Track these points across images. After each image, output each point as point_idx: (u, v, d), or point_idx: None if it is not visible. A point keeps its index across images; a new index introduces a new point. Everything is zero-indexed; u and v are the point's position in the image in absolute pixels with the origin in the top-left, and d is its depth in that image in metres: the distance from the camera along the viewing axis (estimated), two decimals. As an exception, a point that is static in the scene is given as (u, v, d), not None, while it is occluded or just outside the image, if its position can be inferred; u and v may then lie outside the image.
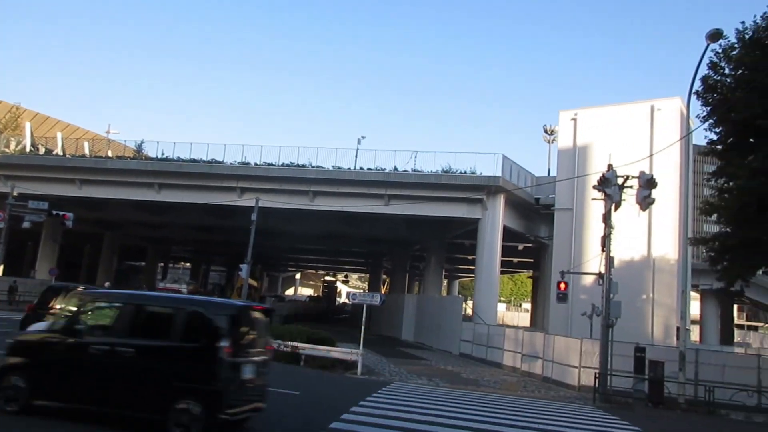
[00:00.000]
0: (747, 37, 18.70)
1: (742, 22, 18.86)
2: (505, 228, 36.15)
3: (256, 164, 37.34)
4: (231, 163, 37.60)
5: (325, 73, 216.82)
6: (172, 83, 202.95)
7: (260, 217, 33.61)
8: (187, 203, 39.78)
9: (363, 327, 21.38)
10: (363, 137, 39.59)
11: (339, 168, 36.28)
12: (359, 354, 19.94)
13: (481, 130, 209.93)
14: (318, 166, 36.51)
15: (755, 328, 75.80)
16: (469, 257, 51.49)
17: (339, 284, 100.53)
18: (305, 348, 20.69)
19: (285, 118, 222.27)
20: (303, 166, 36.69)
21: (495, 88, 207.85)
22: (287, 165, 36.92)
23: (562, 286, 23.42)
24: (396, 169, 35.45)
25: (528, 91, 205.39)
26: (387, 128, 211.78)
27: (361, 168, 36.15)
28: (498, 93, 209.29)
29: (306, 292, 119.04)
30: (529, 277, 69.89)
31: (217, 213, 42.09)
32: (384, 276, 74.04)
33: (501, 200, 35.21)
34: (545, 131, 50.94)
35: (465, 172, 34.84)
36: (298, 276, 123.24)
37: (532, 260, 54.20)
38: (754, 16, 18.70)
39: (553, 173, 39.80)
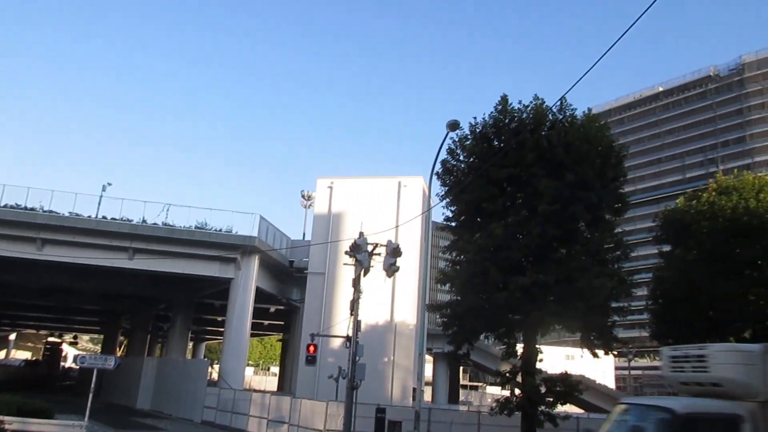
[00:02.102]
0: (478, 131, 21.63)
1: (474, 118, 21.77)
2: (258, 289, 35.72)
3: (-31, 202, 31.77)
4: (-66, 198, 31.45)
5: (69, 108, 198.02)
6: None
7: (-31, 265, 28.38)
8: None
9: (91, 395, 18.91)
10: (109, 184, 36.07)
11: (78, 215, 32.64)
12: (83, 427, 17.53)
13: (240, 192, 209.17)
14: (51, 211, 32.44)
15: (476, 388, 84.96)
16: (219, 318, 49.61)
17: (65, 346, 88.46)
18: (13, 422, 17.55)
19: (13, 155, 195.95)
20: (32, 209, 32.27)
21: (257, 151, 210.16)
22: (11, 207, 32.11)
23: (312, 348, 23.60)
24: (144, 221, 33.16)
25: (288, 156, 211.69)
26: (138, 180, 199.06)
27: (104, 217, 33.05)
28: (259, 156, 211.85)
29: (23, 355, 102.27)
30: (279, 340, 69.71)
31: None
32: (121, 337, 67.33)
33: (255, 261, 34.87)
34: (303, 196, 52.56)
35: (221, 230, 33.96)
36: (12, 336, 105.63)
37: (282, 323, 54.21)
38: (484, 113, 21.80)
39: (309, 237, 40.83)
